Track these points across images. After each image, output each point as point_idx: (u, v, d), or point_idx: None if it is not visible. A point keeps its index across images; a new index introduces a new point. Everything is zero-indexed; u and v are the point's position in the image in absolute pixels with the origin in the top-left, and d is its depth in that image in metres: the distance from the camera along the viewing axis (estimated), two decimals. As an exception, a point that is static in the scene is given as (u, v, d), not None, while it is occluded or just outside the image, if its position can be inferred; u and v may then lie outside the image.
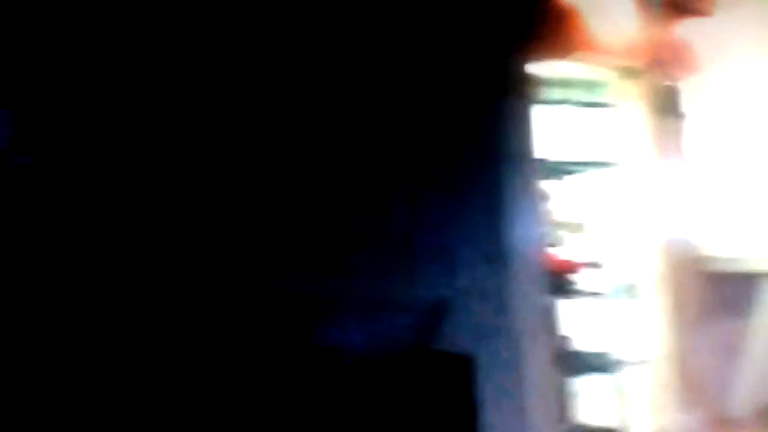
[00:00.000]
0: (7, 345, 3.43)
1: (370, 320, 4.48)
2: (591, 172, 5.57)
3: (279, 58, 4.23)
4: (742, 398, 5.42)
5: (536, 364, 4.55)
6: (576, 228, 5.53)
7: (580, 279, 5.12)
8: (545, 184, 4.97)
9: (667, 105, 5.57)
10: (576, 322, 5.23)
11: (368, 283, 4.57)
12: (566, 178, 5.48)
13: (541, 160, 4.85)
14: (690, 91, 5.80)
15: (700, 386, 5.40)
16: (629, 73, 5.54)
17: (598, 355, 5.20)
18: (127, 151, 3.83)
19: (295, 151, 4.33)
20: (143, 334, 3.85)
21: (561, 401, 4.82)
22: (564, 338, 5.04)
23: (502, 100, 4.55)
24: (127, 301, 3.81)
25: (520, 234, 4.50)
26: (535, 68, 4.83)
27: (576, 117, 5.71)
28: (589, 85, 5.95)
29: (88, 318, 3.67)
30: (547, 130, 5.16)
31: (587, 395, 5.21)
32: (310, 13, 4.28)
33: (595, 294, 5.25)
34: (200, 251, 4.07)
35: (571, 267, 5.02)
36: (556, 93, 5.57)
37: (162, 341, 3.96)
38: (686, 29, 5.86)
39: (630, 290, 5.48)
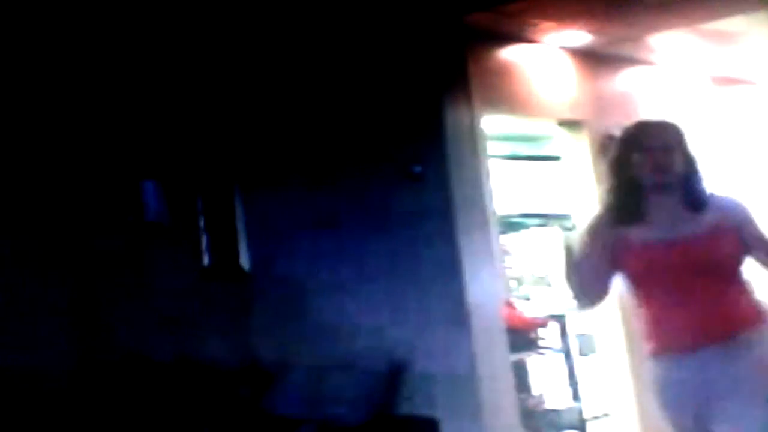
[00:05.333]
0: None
1: (327, 384, 4.33)
2: (547, 224, 5.52)
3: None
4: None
5: (502, 423, 4.41)
6: (538, 282, 5.46)
7: (543, 334, 5.03)
8: (504, 239, 4.89)
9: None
10: (541, 378, 5.12)
11: (323, 346, 4.45)
12: (524, 231, 5.43)
13: (500, 215, 4.79)
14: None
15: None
16: (573, 125, 5.55)
17: (564, 412, 5.08)
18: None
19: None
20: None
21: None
22: (530, 396, 4.93)
23: (458, 157, 4.49)
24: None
25: (481, 291, 4.40)
26: (485, 123, 4.80)
27: (524, 171, 5.70)
28: (535, 139, 5.96)
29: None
30: (499, 184, 5.11)
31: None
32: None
33: (558, 349, 5.16)
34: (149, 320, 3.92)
35: (534, 323, 4.93)
36: (503, 147, 5.56)
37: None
38: (631, 79, 5.93)
39: (593, 344, 5.40)
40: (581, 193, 5.45)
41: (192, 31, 4.47)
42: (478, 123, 4.72)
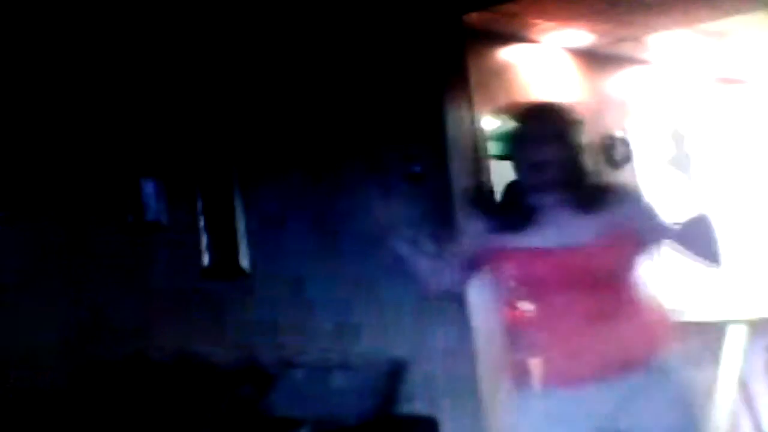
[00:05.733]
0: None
1: (327, 384, 4.32)
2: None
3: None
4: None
5: (502, 423, 4.41)
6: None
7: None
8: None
9: (615, 155, 5.57)
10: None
11: (323, 346, 4.44)
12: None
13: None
14: (641, 140, 5.84)
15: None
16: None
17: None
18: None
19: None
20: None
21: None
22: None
23: (458, 157, 4.48)
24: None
25: (483, 290, 4.39)
26: (485, 123, 4.80)
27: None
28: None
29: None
30: (499, 184, 5.10)
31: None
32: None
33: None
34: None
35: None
36: (503, 147, 5.55)
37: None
38: (627, 79, 5.93)
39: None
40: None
41: (189, 28, 4.47)
42: (478, 123, 4.72)
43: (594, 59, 5.65)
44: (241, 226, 4.85)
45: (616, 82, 5.86)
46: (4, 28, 3.69)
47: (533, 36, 5.19)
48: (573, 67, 5.55)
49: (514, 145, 2.33)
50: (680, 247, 2.37)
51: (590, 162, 2.37)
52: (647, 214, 2.36)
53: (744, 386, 5.39)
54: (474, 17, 4.62)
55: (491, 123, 4.94)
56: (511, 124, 2.38)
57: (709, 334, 5.35)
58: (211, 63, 4.84)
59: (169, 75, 4.62)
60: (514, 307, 2.30)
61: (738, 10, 4.99)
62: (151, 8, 4.19)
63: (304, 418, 4.15)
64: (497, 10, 4.59)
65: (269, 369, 4.48)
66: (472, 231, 2.44)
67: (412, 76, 4.48)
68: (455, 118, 4.52)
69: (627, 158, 5.61)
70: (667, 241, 2.36)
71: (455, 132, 4.50)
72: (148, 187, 4.67)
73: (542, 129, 2.31)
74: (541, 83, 5.29)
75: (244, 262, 4.84)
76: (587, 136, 2.38)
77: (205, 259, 4.94)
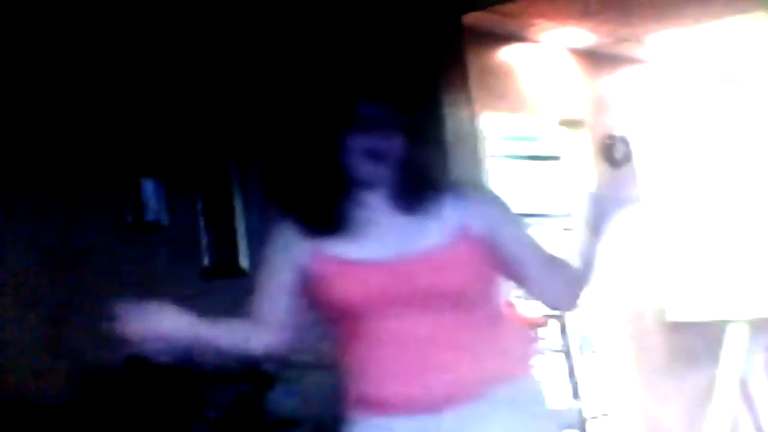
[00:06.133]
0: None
1: (327, 383, 4.32)
2: (549, 224, 5.53)
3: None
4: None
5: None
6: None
7: (542, 334, 5.02)
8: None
9: (615, 154, 5.57)
10: (541, 377, 5.11)
11: (323, 345, 4.43)
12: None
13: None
14: (642, 140, 5.84)
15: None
16: (573, 125, 5.55)
17: (564, 411, 5.08)
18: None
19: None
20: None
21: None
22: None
23: (458, 156, 4.49)
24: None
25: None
26: (482, 122, 4.80)
27: (524, 170, 5.70)
28: (535, 138, 5.96)
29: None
30: (499, 183, 5.11)
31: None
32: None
33: (558, 348, 5.16)
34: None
35: (534, 322, 4.92)
36: (503, 147, 5.55)
37: None
38: (632, 78, 5.93)
39: (592, 343, 5.40)
40: (581, 192, 5.45)
41: (191, 27, 4.47)
42: (478, 122, 4.72)
43: (594, 59, 5.65)
44: (241, 226, 4.85)
45: (616, 81, 5.85)
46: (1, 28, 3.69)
47: (533, 36, 5.20)
48: (573, 67, 5.55)
49: (342, 129, 1.90)
50: (536, 278, 1.91)
51: (422, 154, 1.96)
52: (508, 224, 1.91)
53: (744, 386, 5.40)
54: (473, 17, 4.62)
55: (490, 122, 4.95)
56: (338, 105, 1.97)
57: (709, 334, 5.36)
58: (211, 63, 4.84)
59: (168, 73, 4.63)
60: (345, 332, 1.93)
61: (738, 10, 5.00)
62: (152, 9, 4.19)
63: (304, 418, 4.15)
64: (497, 10, 4.59)
65: (269, 369, 4.48)
66: (293, 251, 1.91)
67: (413, 75, 4.49)
68: (455, 117, 4.52)
69: (627, 157, 5.61)
70: (529, 263, 1.90)
71: (455, 131, 4.51)
72: (148, 187, 4.66)
73: (383, 112, 1.95)
74: (541, 82, 5.29)
75: (244, 262, 4.84)
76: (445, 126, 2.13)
77: (205, 259, 4.93)
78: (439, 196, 1.88)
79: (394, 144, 1.90)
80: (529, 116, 5.40)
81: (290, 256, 1.91)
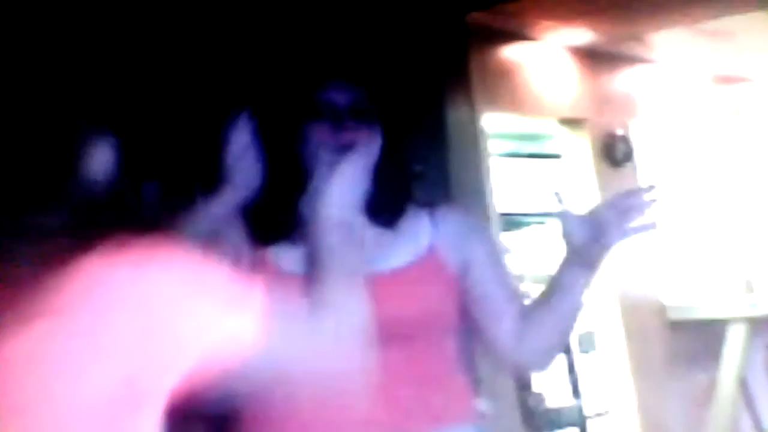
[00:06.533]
0: None
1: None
2: (550, 223, 5.53)
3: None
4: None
5: (502, 422, 4.41)
6: (539, 280, 5.44)
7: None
8: (505, 237, 4.89)
9: (616, 154, 5.57)
10: (541, 375, 5.12)
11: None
12: (524, 230, 5.43)
13: (501, 213, 4.79)
14: (643, 138, 5.84)
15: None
16: (574, 123, 5.55)
17: (565, 409, 5.08)
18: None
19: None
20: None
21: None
22: (530, 394, 4.92)
23: (459, 155, 4.48)
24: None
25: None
26: (486, 122, 4.80)
27: (525, 169, 5.70)
28: (536, 137, 5.96)
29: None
30: (500, 182, 5.11)
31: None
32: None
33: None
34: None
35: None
36: (504, 146, 5.56)
37: None
38: (632, 77, 5.93)
39: (593, 341, 5.40)
40: (582, 191, 5.45)
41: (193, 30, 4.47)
42: (479, 121, 4.72)
43: (595, 58, 5.65)
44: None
45: (617, 80, 5.85)
46: None
47: (534, 34, 5.19)
48: (574, 66, 5.55)
49: (301, 118, 1.61)
50: (504, 328, 1.62)
51: (405, 159, 1.70)
52: (486, 258, 1.65)
53: (744, 385, 5.40)
54: (475, 16, 4.62)
55: (493, 121, 4.95)
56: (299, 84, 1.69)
57: (709, 333, 5.36)
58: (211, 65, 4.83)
59: (170, 73, 4.62)
60: None
61: (739, 9, 5.00)
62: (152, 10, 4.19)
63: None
64: (498, 9, 4.59)
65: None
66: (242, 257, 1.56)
67: (414, 74, 4.48)
68: (456, 116, 4.52)
69: (628, 157, 5.61)
70: (501, 307, 1.63)
71: (456, 130, 4.51)
72: (149, 190, 4.66)
73: (348, 97, 1.64)
74: (541, 81, 5.29)
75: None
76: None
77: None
78: (412, 210, 1.65)
79: (364, 139, 1.60)
80: (530, 115, 5.40)
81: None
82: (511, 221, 5.25)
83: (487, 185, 4.67)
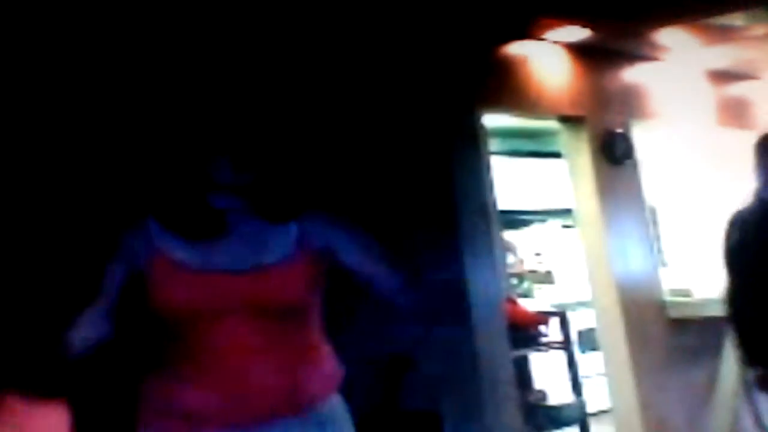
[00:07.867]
0: None
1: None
2: (550, 221, 5.54)
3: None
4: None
5: (503, 419, 4.42)
6: (540, 277, 5.45)
7: (544, 330, 5.03)
8: (508, 235, 4.90)
9: (615, 151, 5.57)
10: (542, 374, 5.13)
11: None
12: (527, 228, 5.44)
13: (501, 211, 4.79)
14: (645, 136, 5.84)
15: (667, 434, 5.31)
16: (574, 121, 5.55)
17: (566, 407, 5.09)
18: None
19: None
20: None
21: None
22: (531, 391, 4.93)
23: (459, 153, 4.49)
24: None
25: (483, 287, 4.40)
26: (485, 120, 4.81)
27: (526, 167, 5.71)
28: (536, 135, 5.97)
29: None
30: (501, 180, 5.12)
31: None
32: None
33: (559, 345, 5.17)
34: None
35: (536, 319, 4.93)
36: (505, 144, 5.57)
37: None
38: (632, 75, 5.93)
39: (594, 339, 5.41)
40: (582, 189, 5.46)
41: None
42: (480, 119, 4.73)
43: (595, 55, 5.65)
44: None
45: (617, 78, 5.86)
46: None
47: (534, 32, 5.20)
48: (574, 64, 5.55)
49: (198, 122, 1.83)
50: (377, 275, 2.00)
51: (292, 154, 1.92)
52: (346, 234, 1.97)
53: (745, 383, 5.39)
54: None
55: (493, 119, 4.96)
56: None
57: (710, 331, 5.36)
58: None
59: (173, 82, 4.63)
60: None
61: (740, 7, 5.00)
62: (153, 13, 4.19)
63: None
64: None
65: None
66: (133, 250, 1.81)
67: (413, 74, 4.49)
68: (456, 114, 4.53)
69: (627, 154, 5.61)
70: (369, 265, 2.01)
71: (457, 128, 4.52)
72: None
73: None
74: (542, 79, 5.29)
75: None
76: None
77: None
78: (295, 210, 1.90)
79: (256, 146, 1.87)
80: (530, 113, 5.40)
81: (129, 252, 1.82)
82: (512, 219, 5.26)
83: (487, 183, 4.68)
